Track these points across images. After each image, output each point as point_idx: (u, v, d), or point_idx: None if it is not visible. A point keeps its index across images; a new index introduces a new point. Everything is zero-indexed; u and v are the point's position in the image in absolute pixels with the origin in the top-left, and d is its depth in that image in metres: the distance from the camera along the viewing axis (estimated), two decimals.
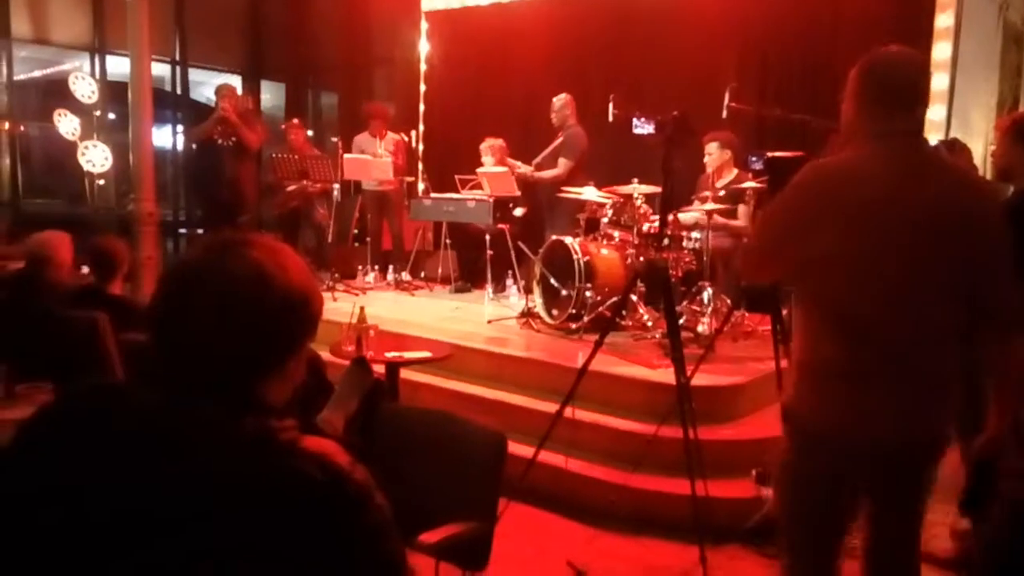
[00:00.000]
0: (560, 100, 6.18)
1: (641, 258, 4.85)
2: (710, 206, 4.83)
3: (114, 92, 7.73)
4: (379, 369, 3.43)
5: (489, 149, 6.42)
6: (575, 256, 4.94)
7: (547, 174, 6.07)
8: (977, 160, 3.16)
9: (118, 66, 7.80)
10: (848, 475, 1.87)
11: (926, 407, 1.81)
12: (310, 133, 9.04)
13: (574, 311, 4.96)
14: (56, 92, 7.39)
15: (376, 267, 7.07)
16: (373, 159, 6.76)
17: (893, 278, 1.73)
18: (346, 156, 6.65)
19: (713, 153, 5.25)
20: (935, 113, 5.15)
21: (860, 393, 1.77)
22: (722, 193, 4.99)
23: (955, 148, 3.04)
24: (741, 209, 5.13)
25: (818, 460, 1.86)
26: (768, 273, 2.11)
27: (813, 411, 1.85)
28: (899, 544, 1.95)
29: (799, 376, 1.90)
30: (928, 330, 1.76)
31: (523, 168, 6.27)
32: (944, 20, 5.13)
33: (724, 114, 4.45)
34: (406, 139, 7.21)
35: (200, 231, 8.39)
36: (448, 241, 6.84)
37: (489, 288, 6.19)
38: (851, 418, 1.78)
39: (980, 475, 2.13)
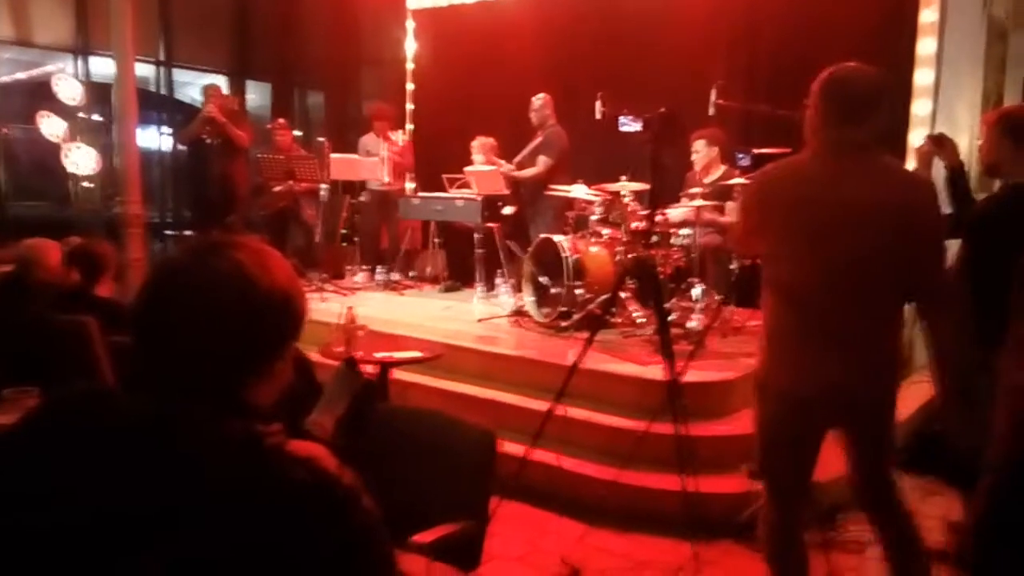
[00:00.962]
0: (539, 99, 6.18)
1: (630, 255, 4.85)
2: (698, 203, 4.84)
3: (99, 93, 7.66)
4: (369, 369, 3.43)
5: (480, 147, 6.42)
6: (564, 254, 4.95)
7: (527, 173, 6.07)
8: (963, 154, 3.17)
9: (102, 67, 7.74)
10: (800, 419, 2.22)
11: (862, 364, 2.14)
12: (297, 133, 9.00)
13: (564, 309, 4.96)
14: (39, 94, 7.30)
15: (365, 267, 7.04)
16: (362, 159, 6.74)
17: (828, 262, 2.06)
18: (334, 156, 6.62)
19: (700, 151, 5.27)
20: (921, 108, 5.18)
21: (802, 355, 2.15)
22: (708, 191, 5.00)
23: (942, 143, 3.04)
24: (730, 205, 5.14)
25: (777, 408, 2.23)
26: (749, 250, 2.46)
27: (770, 371, 2.22)
28: (872, 474, 2.32)
29: (762, 344, 2.26)
30: (860, 306, 2.10)
31: (505, 167, 6.27)
32: (929, 15, 5.15)
33: (711, 111, 4.46)
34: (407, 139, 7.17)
35: (188, 232, 8.34)
36: (437, 240, 6.82)
37: (479, 287, 6.19)
38: (795, 374, 2.16)
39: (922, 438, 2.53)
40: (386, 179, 6.73)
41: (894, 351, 2.23)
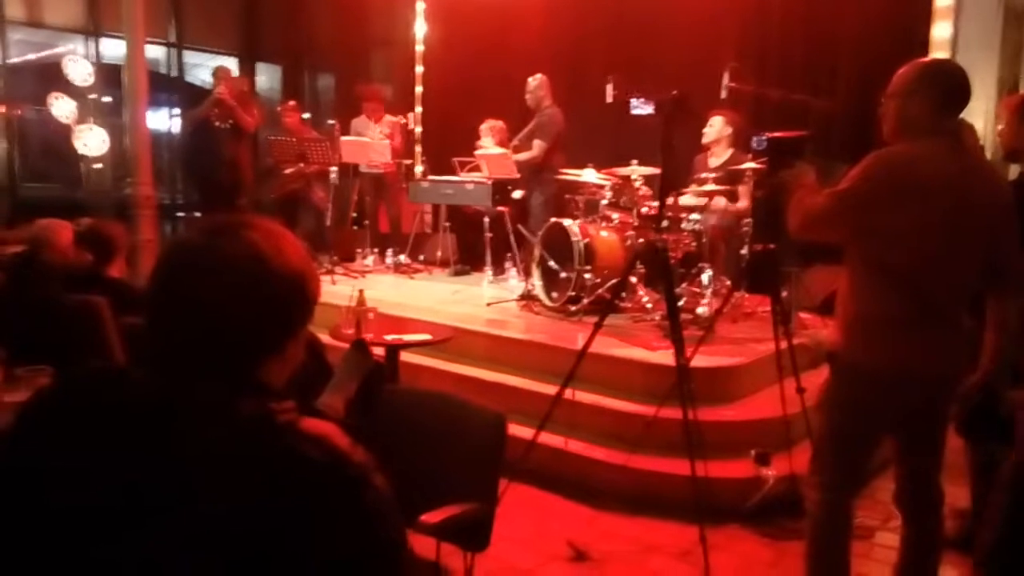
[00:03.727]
0: (535, 80, 6.15)
1: (640, 240, 4.84)
2: (710, 187, 4.82)
3: (109, 75, 7.67)
4: (379, 352, 3.44)
5: (489, 130, 6.39)
6: (574, 238, 4.94)
7: (522, 156, 6.04)
8: (979, 141, 3.15)
9: (113, 49, 7.74)
10: (895, 413, 2.26)
11: (955, 347, 2.23)
12: (307, 116, 8.99)
13: (573, 293, 4.95)
14: (51, 75, 7.31)
15: (376, 250, 7.05)
16: (372, 141, 6.72)
17: (941, 248, 2.12)
18: (343, 139, 6.61)
19: (715, 126, 5.23)
20: None
21: (911, 338, 2.17)
22: (716, 175, 4.98)
23: (962, 128, 3.02)
24: (742, 190, 5.11)
25: (872, 392, 2.22)
26: (822, 234, 2.34)
27: (868, 353, 2.21)
28: (927, 468, 2.36)
29: (853, 326, 2.25)
30: (958, 288, 2.21)
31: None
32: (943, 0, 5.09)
33: (724, 94, 4.43)
34: (403, 121, 7.16)
35: (198, 214, 8.36)
36: (447, 224, 6.82)
37: (488, 271, 6.19)
38: (904, 357, 2.18)
39: (975, 403, 2.46)
40: (387, 159, 6.71)
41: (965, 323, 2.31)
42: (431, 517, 1.90)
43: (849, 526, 2.35)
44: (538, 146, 6.02)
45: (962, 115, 3.52)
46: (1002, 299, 2.25)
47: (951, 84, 2.19)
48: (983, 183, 2.18)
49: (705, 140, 5.28)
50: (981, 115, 5.59)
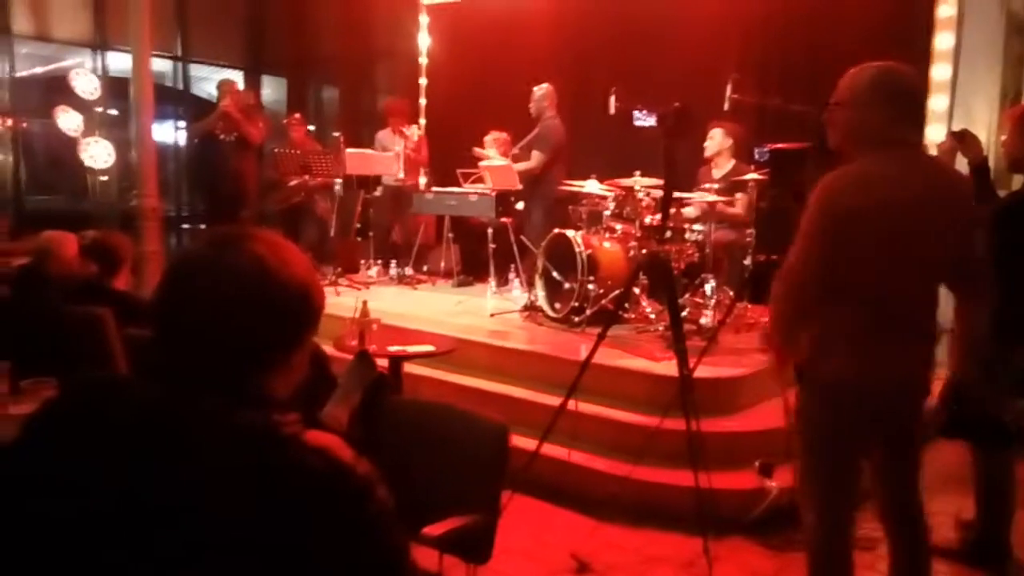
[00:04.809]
0: (540, 90, 6.15)
1: (643, 251, 4.85)
2: (712, 198, 4.83)
3: (116, 88, 7.72)
4: (382, 363, 3.44)
5: (493, 142, 6.42)
6: (577, 249, 4.94)
7: (520, 166, 6.04)
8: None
9: (120, 62, 7.80)
10: (867, 424, 2.21)
11: (920, 359, 2.22)
12: (312, 128, 9.03)
13: (577, 304, 4.96)
14: (57, 88, 7.37)
15: (379, 261, 7.07)
16: (376, 153, 6.75)
17: (899, 262, 2.09)
18: (349, 151, 6.64)
19: (715, 138, 5.25)
20: (938, 104, 5.13)
21: (879, 351, 2.13)
22: (718, 186, 4.99)
23: (965, 139, 3.03)
24: (740, 197, 5.12)
25: (845, 409, 2.17)
26: (806, 302, 2.21)
27: (836, 367, 2.16)
28: (905, 477, 2.31)
29: (820, 340, 2.19)
30: (921, 299, 2.18)
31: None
32: (946, 10, 5.11)
33: (726, 105, 4.44)
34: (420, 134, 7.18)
35: (203, 226, 8.40)
36: (451, 235, 6.83)
37: (492, 282, 6.20)
38: (872, 371, 2.14)
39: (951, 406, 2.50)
40: (400, 175, 6.75)
41: (936, 335, 2.28)
42: (433, 529, 1.90)
43: (848, 554, 2.27)
44: (536, 157, 6.03)
45: (965, 125, 3.55)
46: (971, 302, 2.23)
47: (906, 94, 2.14)
48: (943, 192, 2.13)
49: (707, 154, 5.29)
50: (984, 125, 5.60)
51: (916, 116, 2.17)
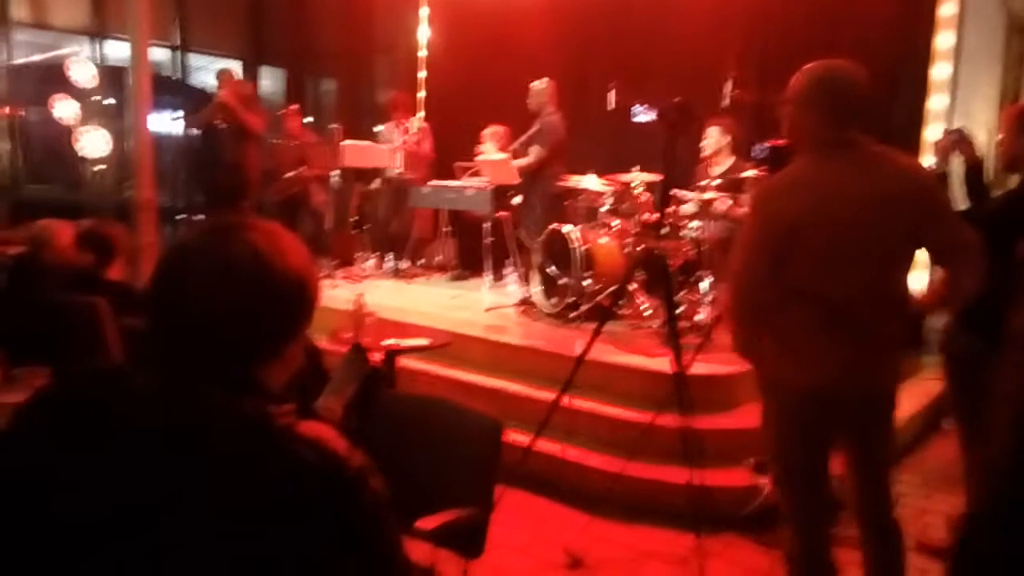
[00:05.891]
0: (539, 85, 6.12)
1: (640, 247, 4.84)
2: (709, 195, 4.82)
3: (113, 77, 7.68)
4: (377, 356, 3.44)
5: (491, 136, 6.40)
6: (574, 245, 4.94)
7: (520, 162, 6.02)
8: (980, 150, 3.15)
9: (118, 51, 7.76)
10: (828, 430, 2.20)
11: (876, 359, 2.17)
12: (310, 119, 8.99)
13: (572, 299, 4.96)
14: (54, 77, 7.33)
15: (375, 254, 7.06)
16: (373, 145, 6.74)
17: (851, 259, 2.06)
18: (346, 142, 6.63)
19: (713, 137, 5.23)
20: (937, 103, 5.13)
21: (827, 350, 2.11)
22: (718, 182, 4.98)
23: (961, 138, 3.02)
24: (745, 199, 5.11)
25: (800, 409, 2.17)
26: (758, 294, 2.19)
27: (788, 371, 2.16)
28: (874, 479, 2.28)
29: (772, 347, 2.19)
30: (875, 298, 2.11)
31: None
32: (948, 9, 5.10)
33: (726, 102, 4.43)
34: (423, 126, 7.17)
35: (200, 216, 8.37)
36: (447, 229, 6.82)
37: (488, 276, 6.19)
38: (821, 370, 2.12)
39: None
40: (399, 168, 6.73)
41: (900, 333, 2.23)
42: (427, 522, 1.90)
43: (827, 560, 2.26)
44: (535, 152, 6.01)
45: (962, 125, 3.55)
46: (956, 270, 2.17)
47: (844, 96, 2.11)
48: (894, 184, 2.08)
49: (706, 152, 5.28)
50: (983, 124, 5.60)
51: (854, 116, 2.10)
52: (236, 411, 0.98)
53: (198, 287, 1.00)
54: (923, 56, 5.17)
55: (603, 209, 5.27)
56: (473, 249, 6.53)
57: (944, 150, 3.01)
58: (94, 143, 7.22)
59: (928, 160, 3.37)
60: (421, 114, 8.09)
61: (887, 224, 2.07)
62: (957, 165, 3.02)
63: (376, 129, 7.06)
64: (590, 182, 5.25)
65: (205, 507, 0.92)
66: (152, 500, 0.93)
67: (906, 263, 2.17)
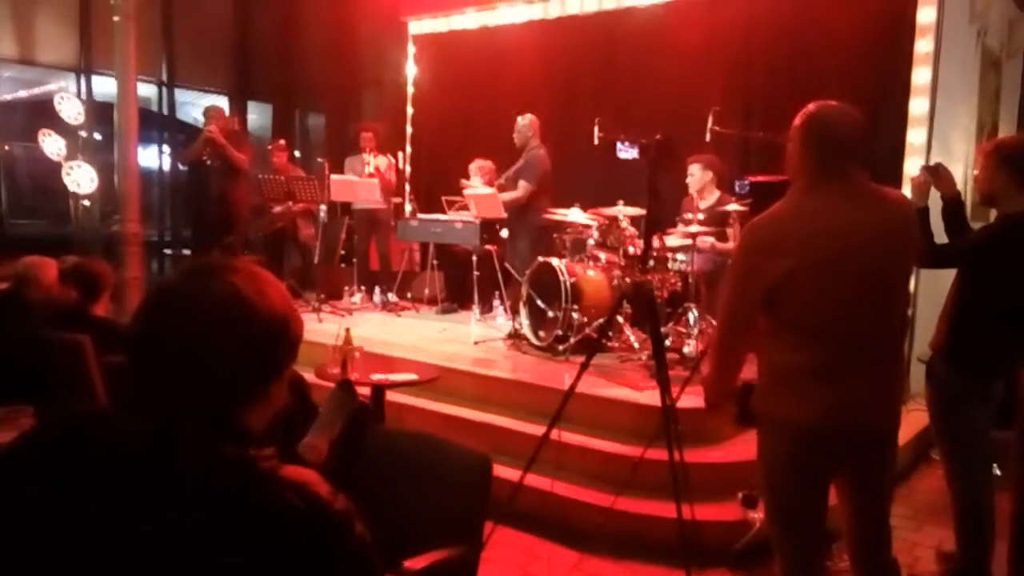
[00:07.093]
0: (524, 120, 6.20)
1: (627, 280, 4.87)
2: (694, 228, 4.86)
3: (100, 112, 7.69)
4: (365, 391, 3.42)
5: (478, 170, 6.45)
6: (562, 277, 4.96)
7: (507, 196, 6.06)
8: (958, 184, 3.19)
9: (104, 86, 7.78)
10: (825, 463, 2.16)
11: (877, 396, 2.15)
12: (297, 154, 9.03)
13: (561, 332, 4.96)
14: (41, 112, 7.34)
15: (363, 288, 7.05)
16: (360, 180, 6.76)
17: (841, 291, 2.07)
18: (333, 177, 6.65)
19: (695, 174, 5.30)
20: (916, 137, 5.21)
21: (826, 387, 2.08)
22: (702, 216, 5.03)
23: (938, 173, 3.07)
24: (730, 232, 5.16)
25: (800, 447, 2.13)
26: (746, 336, 2.20)
27: (788, 406, 2.12)
28: (874, 518, 2.26)
29: (770, 380, 2.18)
30: (873, 335, 2.12)
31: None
32: (924, 46, 5.21)
33: (708, 137, 4.49)
34: (393, 160, 7.21)
35: (186, 251, 8.35)
36: (435, 262, 6.83)
37: (476, 309, 6.19)
38: (821, 408, 2.09)
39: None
40: (363, 197, 6.73)
41: (902, 366, 2.27)
42: (415, 563, 1.88)
43: None
44: (523, 187, 6.06)
45: (940, 160, 3.60)
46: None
47: (832, 140, 2.12)
48: (881, 216, 2.11)
49: (691, 190, 5.34)
50: (961, 159, 5.70)
51: (847, 155, 2.12)
52: (217, 455, 0.97)
53: (179, 329, 1.00)
54: (901, 91, 5.26)
55: (590, 242, 5.30)
56: (461, 282, 6.54)
57: (922, 185, 3.05)
58: (81, 178, 7.21)
59: (909, 193, 3.42)
60: (409, 149, 8.14)
61: (879, 253, 2.09)
62: (936, 200, 3.06)
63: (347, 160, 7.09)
64: (575, 215, 5.29)
65: (187, 554, 0.91)
66: (134, 543, 0.92)
67: (903, 292, 2.21)
